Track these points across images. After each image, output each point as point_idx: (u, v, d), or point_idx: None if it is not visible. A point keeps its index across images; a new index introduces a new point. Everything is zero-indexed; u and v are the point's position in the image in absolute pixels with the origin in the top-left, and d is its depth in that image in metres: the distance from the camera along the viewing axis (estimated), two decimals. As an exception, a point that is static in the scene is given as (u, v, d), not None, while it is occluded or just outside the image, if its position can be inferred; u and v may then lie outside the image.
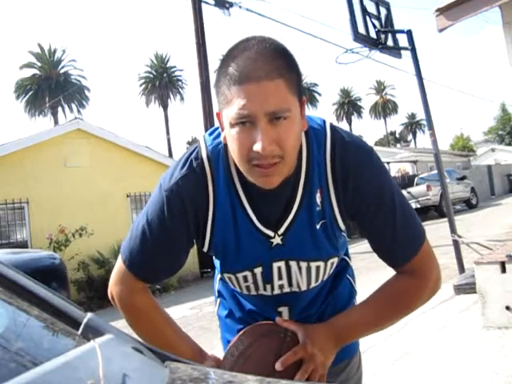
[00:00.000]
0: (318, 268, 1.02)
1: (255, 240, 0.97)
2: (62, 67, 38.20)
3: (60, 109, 37.44)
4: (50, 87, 36.10)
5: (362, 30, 5.56)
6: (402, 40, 5.99)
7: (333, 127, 0.99)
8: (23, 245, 8.43)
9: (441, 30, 4.67)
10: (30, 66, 37.47)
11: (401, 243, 0.97)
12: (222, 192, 0.96)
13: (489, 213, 14.09)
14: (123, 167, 10.19)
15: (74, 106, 38.18)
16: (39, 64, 37.41)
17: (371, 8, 5.76)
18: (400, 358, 3.38)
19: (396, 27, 6.03)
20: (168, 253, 0.99)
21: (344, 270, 1.18)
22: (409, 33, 5.77)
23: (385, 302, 1.01)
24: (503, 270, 3.62)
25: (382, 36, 5.77)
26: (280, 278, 1.02)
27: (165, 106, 40.90)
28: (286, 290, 1.05)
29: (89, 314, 0.69)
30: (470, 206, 17.11)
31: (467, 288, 4.73)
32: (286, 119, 0.83)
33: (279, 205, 0.96)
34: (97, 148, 9.89)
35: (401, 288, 1.01)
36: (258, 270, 1.00)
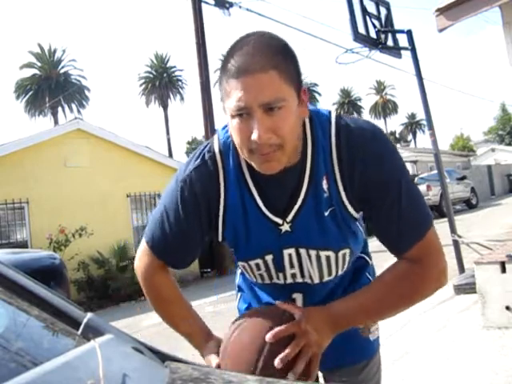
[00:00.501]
0: (328, 258, 1.02)
1: (264, 228, 0.99)
2: (62, 67, 38.19)
3: (60, 109, 37.43)
4: (50, 87, 36.08)
5: (362, 30, 5.56)
6: (402, 40, 5.99)
7: (338, 115, 0.99)
8: (23, 245, 8.42)
9: (441, 30, 4.67)
10: (30, 66, 37.44)
11: (404, 228, 0.95)
12: (233, 182, 1.00)
13: (489, 213, 14.08)
14: (123, 167, 10.18)
15: (74, 105, 38.18)
16: (39, 64, 37.38)
17: (371, 8, 5.76)
18: (400, 358, 3.38)
19: (396, 27, 6.02)
20: (182, 242, 1.04)
21: (363, 268, 1.18)
22: (409, 33, 5.77)
23: (385, 289, 0.98)
24: (503, 270, 3.62)
25: (382, 36, 5.77)
26: (292, 266, 1.03)
27: (165, 106, 40.88)
28: (299, 280, 1.06)
29: (89, 314, 0.69)
30: (470, 206, 17.09)
31: (467, 288, 4.72)
32: (282, 108, 0.86)
33: (287, 192, 0.97)
34: (97, 148, 9.88)
35: (402, 276, 0.97)
36: (269, 258, 1.02)
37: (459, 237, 5.68)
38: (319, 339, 0.91)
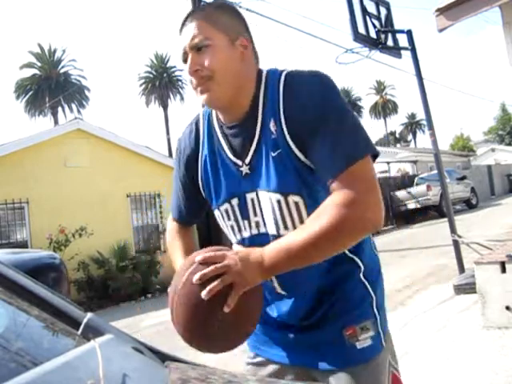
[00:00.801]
0: (279, 203, 1.06)
1: (229, 170, 1.13)
2: (62, 67, 38.19)
3: (60, 109, 37.42)
4: (50, 87, 36.08)
5: (362, 30, 5.56)
6: (402, 40, 6.00)
7: (294, 69, 1.10)
8: (23, 245, 8.42)
9: (441, 30, 4.67)
10: (30, 66, 37.44)
11: (331, 157, 0.97)
12: (206, 135, 1.17)
13: (489, 213, 14.09)
14: (123, 167, 10.18)
15: (74, 105, 38.17)
16: (39, 64, 37.38)
17: (371, 8, 5.77)
18: (400, 358, 3.37)
19: (396, 27, 6.03)
20: (180, 196, 1.26)
21: (352, 271, 1.14)
22: (409, 33, 5.77)
23: (309, 225, 0.97)
24: (503, 270, 3.62)
25: (382, 36, 5.77)
26: (255, 213, 1.12)
27: (165, 106, 40.87)
28: (262, 229, 1.11)
29: (89, 314, 0.69)
30: (470, 206, 17.10)
31: (467, 288, 4.73)
32: (208, 47, 1.03)
33: (244, 136, 1.10)
34: (97, 148, 9.88)
35: (324, 208, 0.96)
36: (235, 202, 1.13)
37: (459, 237, 5.68)
38: (244, 271, 0.95)
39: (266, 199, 1.07)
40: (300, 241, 0.95)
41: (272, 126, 1.05)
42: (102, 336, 0.65)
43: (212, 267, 0.93)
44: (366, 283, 1.15)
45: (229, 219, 1.15)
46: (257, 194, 1.09)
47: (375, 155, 1.02)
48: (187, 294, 0.93)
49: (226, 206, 1.14)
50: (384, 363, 1.16)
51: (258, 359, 1.25)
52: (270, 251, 0.97)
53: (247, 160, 1.09)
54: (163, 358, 0.70)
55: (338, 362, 1.10)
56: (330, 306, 1.13)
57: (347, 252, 1.13)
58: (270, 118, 1.05)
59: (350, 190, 0.94)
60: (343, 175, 0.95)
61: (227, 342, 0.99)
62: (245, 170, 1.10)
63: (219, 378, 0.67)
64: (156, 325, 5.80)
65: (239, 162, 1.10)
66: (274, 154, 1.04)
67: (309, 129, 0.99)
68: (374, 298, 1.15)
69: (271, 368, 1.21)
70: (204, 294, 0.90)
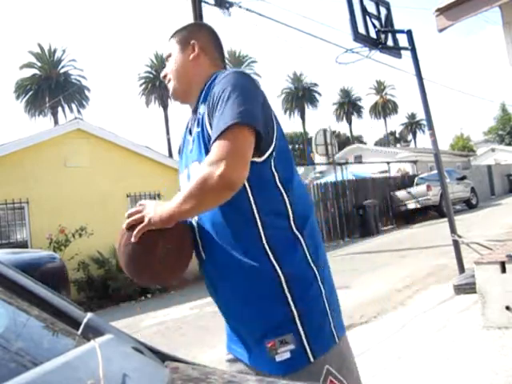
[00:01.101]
0: (193, 169, 1.26)
1: (187, 145, 1.35)
2: (62, 67, 38.20)
3: (60, 109, 37.44)
4: (50, 87, 36.09)
5: (362, 30, 5.56)
6: (402, 40, 5.99)
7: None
8: (23, 245, 8.42)
9: (441, 30, 4.67)
10: (30, 66, 37.45)
11: (215, 127, 1.14)
12: (185, 127, 1.41)
13: (489, 213, 14.09)
14: (123, 167, 10.18)
15: (74, 105, 38.19)
16: (39, 64, 37.39)
17: (371, 8, 5.76)
18: (400, 359, 3.38)
19: (396, 27, 6.03)
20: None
21: (270, 280, 1.13)
22: (409, 33, 5.77)
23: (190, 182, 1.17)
24: (503, 270, 3.62)
25: (382, 36, 5.77)
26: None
27: (165, 106, 40.87)
28: None
29: (89, 314, 0.69)
30: (470, 206, 17.09)
31: (467, 288, 4.72)
32: (171, 56, 1.40)
33: (193, 119, 1.33)
34: (97, 148, 9.88)
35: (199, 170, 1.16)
36: (186, 172, 1.33)
37: (459, 237, 5.67)
38: (150, 215, 1.18)
39: (192, 166, 1.28)
40: (182, 195, 1.14)
41: (201, 109, 1.26)
42: (102, 336, 0.65)
43: (134, 208, 1.24)
44: (289, 296, 1.12)
45: (181, 187, 1.35)
46: (194, 165, 1.27)
47: (257, 131, 1.13)
48: (123, 228, 1.25)
49: (181, 175, 1.37)
50: (313, 376, 1.12)
51: (230, 356, 1.31)
52: (168, 202, 1.18)
53: (192, 138, 1.31)
54: (163, 357, 0.70)
55: (267, 369, 1.14)
56: (247, 311, 1.16)
57: (272, 257, 1.14)
58: (203, 102, 1.27)
59: (217, 152, 1.10)
60: (218, 139, 1.12)
61: (139, 269, 1.24)
62: (190, 146, 1.31)
63: (219, 377, 0.67)
64: (156, 325, 5.81)
65: (190, 139, 1.33)
66: (197, 131, 1.26)
67: (213, 108, 1.18)
68: (296, 312, 1.12)
69: (240, 365, 1.26)
70: (123, 225, 1.22)
